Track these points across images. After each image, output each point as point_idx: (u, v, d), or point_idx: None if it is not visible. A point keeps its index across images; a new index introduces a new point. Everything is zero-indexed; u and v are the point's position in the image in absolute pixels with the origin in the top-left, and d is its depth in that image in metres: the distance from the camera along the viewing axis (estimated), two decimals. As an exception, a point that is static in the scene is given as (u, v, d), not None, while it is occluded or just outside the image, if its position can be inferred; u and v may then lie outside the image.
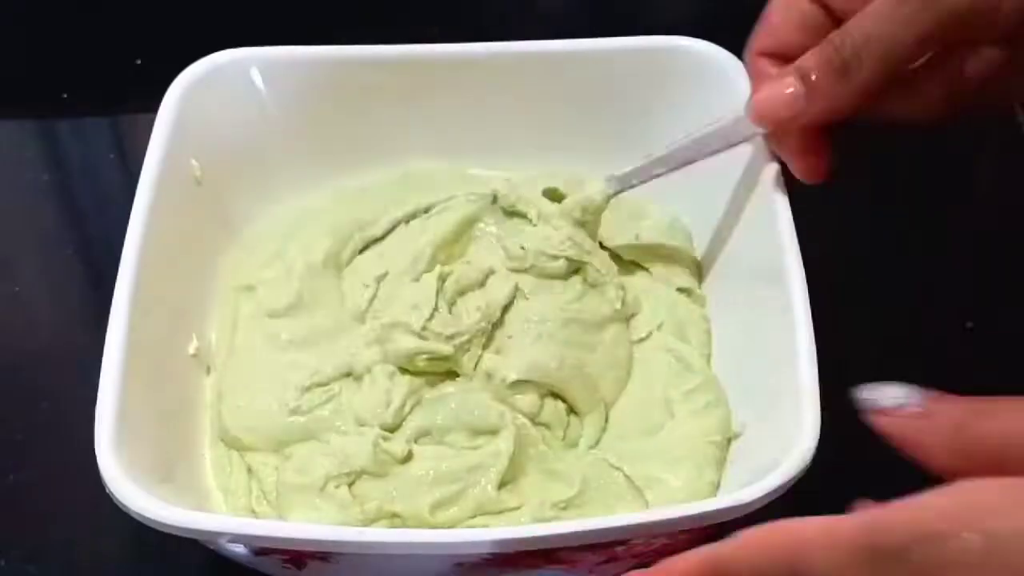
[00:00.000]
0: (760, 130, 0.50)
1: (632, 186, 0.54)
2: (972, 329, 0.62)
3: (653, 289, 0.56)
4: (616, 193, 0.55)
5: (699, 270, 0.57)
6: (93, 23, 0.76)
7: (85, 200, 0.69)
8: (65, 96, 0.72)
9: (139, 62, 0.72)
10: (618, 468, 0.50)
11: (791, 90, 0.47)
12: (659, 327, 0.54)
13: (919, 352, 0.61)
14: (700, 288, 0.57)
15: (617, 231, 0.58)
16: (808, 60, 0.47)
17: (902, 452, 0.38)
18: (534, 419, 0.51)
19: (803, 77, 0.47)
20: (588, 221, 0.55)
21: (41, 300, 0.63)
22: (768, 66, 0.50)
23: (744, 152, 0.53)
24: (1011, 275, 0.65)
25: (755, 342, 0.51)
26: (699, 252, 0.58)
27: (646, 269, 0.57)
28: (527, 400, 0.51)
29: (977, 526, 0.31)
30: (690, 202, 0.58)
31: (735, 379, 0.52)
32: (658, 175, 0.54)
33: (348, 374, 0.52)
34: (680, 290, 0.56)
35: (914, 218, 0.67)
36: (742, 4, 0.54)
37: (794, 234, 0.50)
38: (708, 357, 0.54)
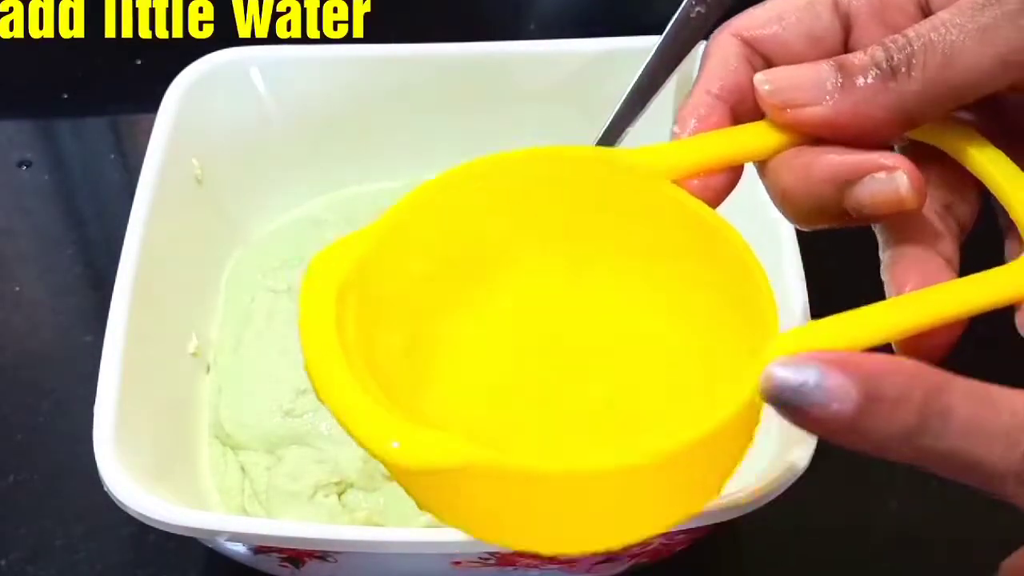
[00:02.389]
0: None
1: (620, 139, 0.55)
2: (972, 329, 0.62)
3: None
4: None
5: None
6: (93, 23, 0.76)
7: (85, 200, 0.69)
8: (65, 96, 0.72)
9: (139, 62, 0.72)
10: None
11: (825, 76, 0.34)
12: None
13: (919, 352, 0.61)
14: None
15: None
16: (850, 56, 0.34)
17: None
18: None
19: (841, 68, 0.34)
20: None
21: (41, 300, 0.63)
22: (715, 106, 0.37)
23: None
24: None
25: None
26: None
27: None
28: None
29: None
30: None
31: None
32: (634, 119, 0.55)
33: None
34: None
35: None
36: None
37: (793, 235, 0.50)
38: None
